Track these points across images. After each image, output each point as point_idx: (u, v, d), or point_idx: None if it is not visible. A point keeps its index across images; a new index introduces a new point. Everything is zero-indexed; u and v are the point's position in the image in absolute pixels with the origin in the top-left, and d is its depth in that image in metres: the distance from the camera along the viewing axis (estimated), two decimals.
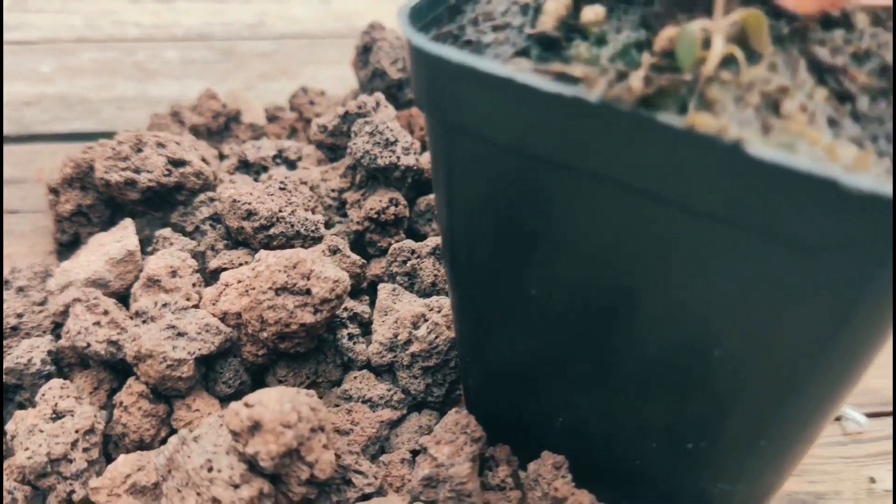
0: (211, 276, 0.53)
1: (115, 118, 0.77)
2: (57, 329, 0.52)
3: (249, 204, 0.52)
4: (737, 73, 0.31)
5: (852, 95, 0.32)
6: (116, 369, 0.49)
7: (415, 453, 0.47)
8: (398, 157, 0.55)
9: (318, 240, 0.54)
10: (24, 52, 0.87)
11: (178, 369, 0.45)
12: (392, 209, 0.55)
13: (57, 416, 0.45)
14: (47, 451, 0.43)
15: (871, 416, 0.52)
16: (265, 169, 0.61)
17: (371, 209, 0.55)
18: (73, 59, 0.86)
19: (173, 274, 0.50)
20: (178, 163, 0.56)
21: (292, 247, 0.53)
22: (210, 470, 0.39)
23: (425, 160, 0.57)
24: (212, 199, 0.56)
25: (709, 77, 0.31)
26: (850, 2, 0.35)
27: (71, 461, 0.44)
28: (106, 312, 0.48)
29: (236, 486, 0.38)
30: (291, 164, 0.62)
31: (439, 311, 0.48)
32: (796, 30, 0.33)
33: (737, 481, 0.40)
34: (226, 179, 0.58)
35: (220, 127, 0.68)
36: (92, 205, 0.58)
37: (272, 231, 0.52)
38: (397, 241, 0.55)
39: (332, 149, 0.62)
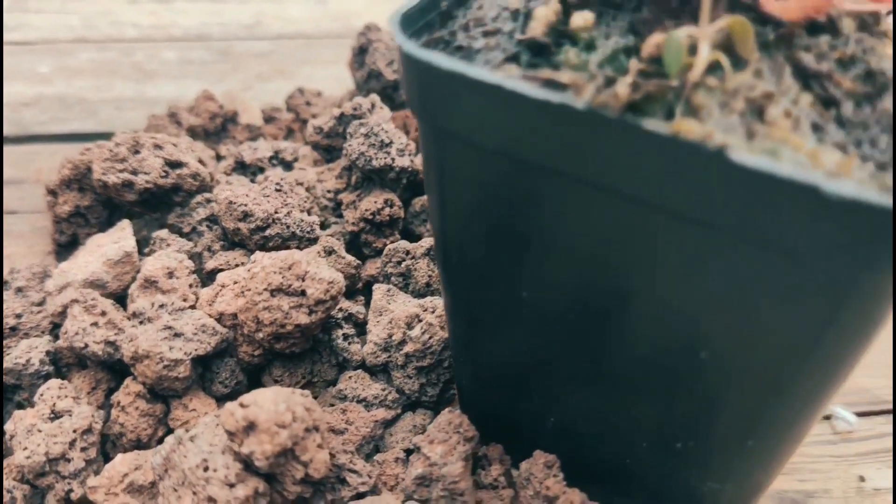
0: (207, 277, 0.54)
1: (114, 119, 0.78)
2: (55, 329, 0.52)
3: (245, 205, 0.53)
4: (723, 79, 0.31)
5: (837, 101, 0.32)
6: (114, 369, 0.50)
7: (409, 452, 0.47)
8: (393, 159, 0.55)
9: (314, 241, 0.54)
10: (22, 52, 0.87)
11: (174, 369, 0.46)
12: (387, 210, 0.56)
13: (55, 415, 0.46)
14: (46, 450, 0.44)
15: (861, 415, 0.52)
16: (262, 170, 0.62)
17: (366, 210, 0.56)
18: (71, 60, 0.87)
19: (170, 275, 0.50)
20: (174, 164, 0.56)
21: (288, 248, 0.53)
22: (206, 469, 0.39)
23: (420, 161, 0.57)
24: (208, 201, 0.57)
25: (695, 83, 0.31)
26: (836, 7, 0.35)
27: (69, 460, 0.44)
28: (103, 313, 0.48)
29: (232, 486, 0.39)
30: (288, 165, 0.63)
31: (433, 312, 0.49)
32: (782, 36, 0.33)
33: (725, 480, 0.40)
34: (223, 180, 0.59)
35: (217, 128, 0.69)
36: (90, 206, 0.58)
37: (268, 232, 0.53)
38: (392, 242, 0.56)
39: (328, 150, 0.63)
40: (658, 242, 0.32)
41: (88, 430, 0.45)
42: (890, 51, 0.36)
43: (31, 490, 0.45)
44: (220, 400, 0.49)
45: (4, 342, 0.51)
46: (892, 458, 0.50)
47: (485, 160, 0.34)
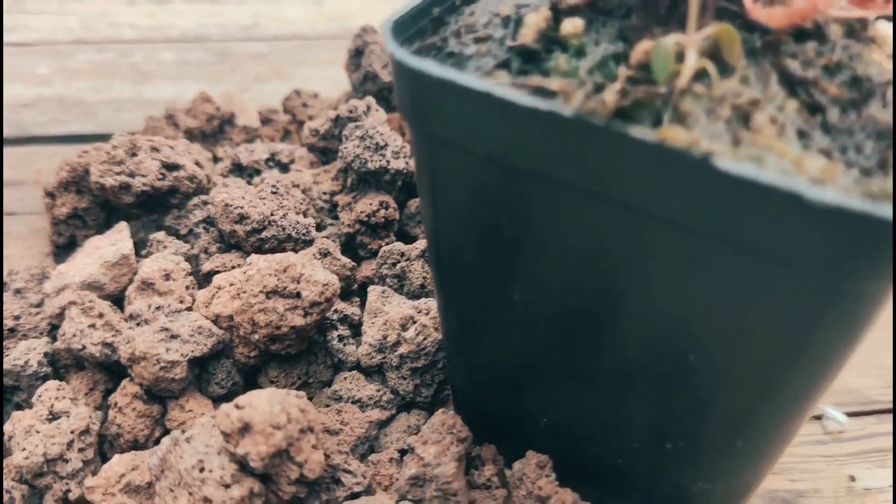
0: (204, 279, 0.54)
1: (112, 120, 0.78)
2: (53, 331, 0.53)
3: (241, 208, 0.53)
4: (709, 86, 0.32)
5: (823, 107, 0.33)
6: (111, 371, 0.50)
7: (403, 452, 0.48)
8: (388, 161, 0.55)
9: (310, 242, 0.55)
10: (21, 53, 0.88)
11: (171, 371, 0.46)
12: (382, 212, 0.56)
13: (53, 416, 0.46)
14: (44, 451, 0.44)
15: (851, 415, 0.53)
16: (258, 172, 0.62)
17: (362, 212, 0.56)
18: (69, 61, 0.87)
19: (167, 277, 0.51)
20: (171, 167, 0.57)
21: (284, 250, 0.54)
22: (202, 470, 0.40)
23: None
24: (205, 203, 0.57)
25: (682, 90, 0.32)
26: (823, 14, 0.35)
27: (67, 461, 0.45)
28: (101, 315, 0.49)
29: (227, 486, 0.39)
30: (284, 167, 0.63)
31: (427, 314, 0.49)
32: (769, 43, 0.34)
33: (715, 480, 0.41)
34: (219, 182, 0.59)
35: (214, 130, 0.69)
36: (87, 208, 0.59)
37: (264, 234, 0.53)
38: (387, 244, 0.56)
39: (324, 152, 0.63)
40: (646, 247, 0.33)
41: (86, 431, 0.46)
42: (877, 56, 0.37)
43: (30, 490, 0.46)
44: (217, 401, 0.50)
45: (3, 343, 0.51)
46: (882, 458, 0.50)
47: (476, 166, 0.35)
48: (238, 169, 0.62)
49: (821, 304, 0.31)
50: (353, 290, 0.56)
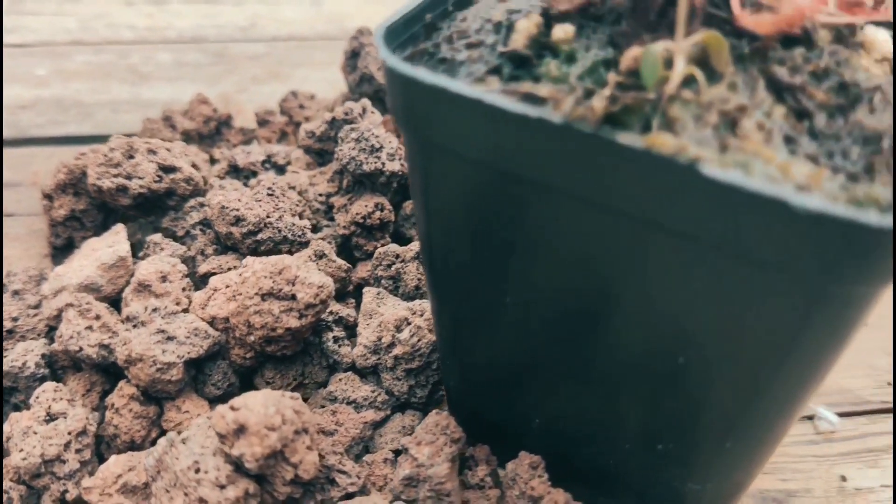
0: (201, 280, 0.55)
1: (109, 121, 0.78)
2: (51, 332, 0.53)
3: (238, 210, 0.53)
4: (698, 92, 0.32)
5: (810, 113, 0.33)
6: (108, 372, 0.50)
7: (397, 453, 0.48)
8: (383, 163, 0.56)
9: (305, 244, 0.55)
10: (19, 55, 0.88)
11: (167, 372, 0.47)
12: (378, 214, 0.57)
13: (50, 418, 0.47)
14: (41, 452, 0.45)
15: (843, 415, 0.53)
16: (254, 174, 0.62)
17: (357, 214, 0.57)
18: (67, 63, 0.87)
19: (163, 279, 0.51)
20: (168, 169, 0.57)
21: (280, 251, 0.54)
22: (197, 471, 0.40)
23: None
24: (202, 205, 0.58)
25: (671, 96, 0.32)
26: (810, 20, 0.36)
27: (64, 462, 0.45)
28: (98, 317, 0.49)
29: (222, 487, 0.40)
30: (280, 169, 0.64)
31: (422, 315, 0.50)
32: (756, 49, 0.34)
33: (706, 481, 0.41)
34: (216, 184, 0.60)
35: (211, 131, 0.69)
36: (85, 210, 0.59)
37: (260, 236, 0.54)
38: (383, 245, 0.56)
39: (320, 153, 0.64)
40: (635, 251, 0.33)
41: (83, 432, 0.46)
42: (865, 62, 0.37)
43: (28, 491, 0.46)
44: (213, 402, 0.50)
45: (2, 344, 0.52)
46: (874, 458, 0.51)
47: (468, 170, 0.35)
48: (235, 171, 0.63)
49: (808, 308, 0.31)
50: (349, 291, 0.57)
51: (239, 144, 0.70)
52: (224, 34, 0.94)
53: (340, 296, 0.56)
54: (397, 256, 0.55)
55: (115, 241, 0.54)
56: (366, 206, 0.57)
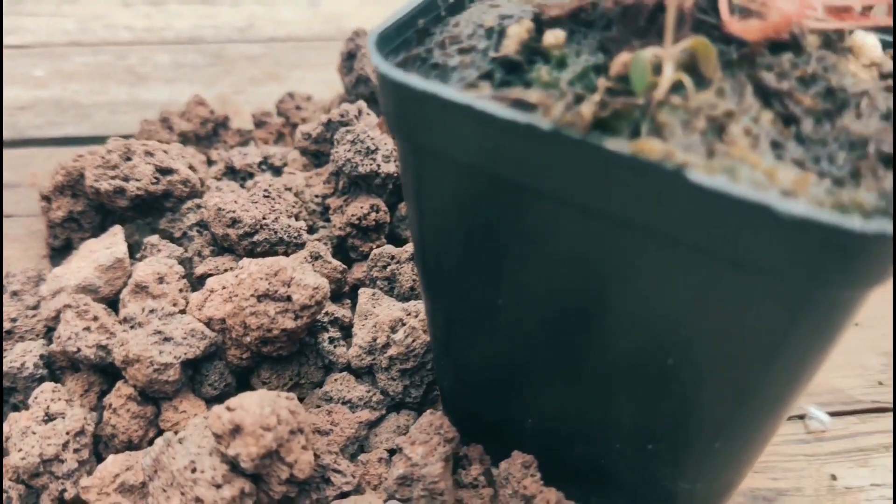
0: (198, 281, 0.55)
1: (107, 123, 0.79)
2: (49, 333, 0.53)
3: (234, 212, 0.54)
4: (686, 97, 0.32)
5: (797, 118, 0.34)
6: (106, 372, 0.51)
7: (392, 452, 0.49)
8: (378, 165, 0.56)
9: (301, 246, 0.56)
10: (18, 56, 0.88)
11: (164, 373, 0.47)
12: (373, 215, 0.57)
13: (49, 418, 0.47)
14: (40, 451, 0.45)
15: (834, 415, 0.54)
16: (251, 175, 0.63)
17: (353, 215, 0.57)
18: (66, 64, 0.88)
19: (160, 280, 0.51)
20: (165, 171, 0.57)
21: (276, 253, 0.55)
22: (193, 471, 0.41)
23: None
24: (199, 206, 0.58)
25: (660, 101, 0.32)
26: (798, 26, 0.36)
27: (62, 461, 0.46)
28: (95, 318, 0.49)
29: (218, 486, 0.40)
30: (277, 171, 0.64)
31: (416, 316, 0.50)
32: (744, 55, 0.34)
33: (696, 480, 0.42)
34: (213, 186, 0.60)
35: (208, 133, 0.70)
36: (83, 211, 0.60)
37: (256, 238, 0.54)
38: (378, 246, 0.57)
39: (317, 155, 0.64)
40: (624, 255, 0.34)
41: (81, 432, 0.47)
42: (853, 67, 0.38)
43: (27, 490, 0.47)
44: (210, 402, 0.50)
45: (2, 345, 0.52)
46: (864, 457, 0.51)
47: (459, 174, 0.36)
48: (231, 172, 0.63)
49: (794, 312, 0.31)
50: (345, 292, 0.57)
51: (236, 146, 0.70)
52: (221, 35, 0.95)
53: (336, 296, 0.56)
54: (392, 258, 0.55)
55: (113, 242, 0.55)
56: (361, 207, 0.57)
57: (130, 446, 0.48)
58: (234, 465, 0.41)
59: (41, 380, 0.51)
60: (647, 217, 0.31)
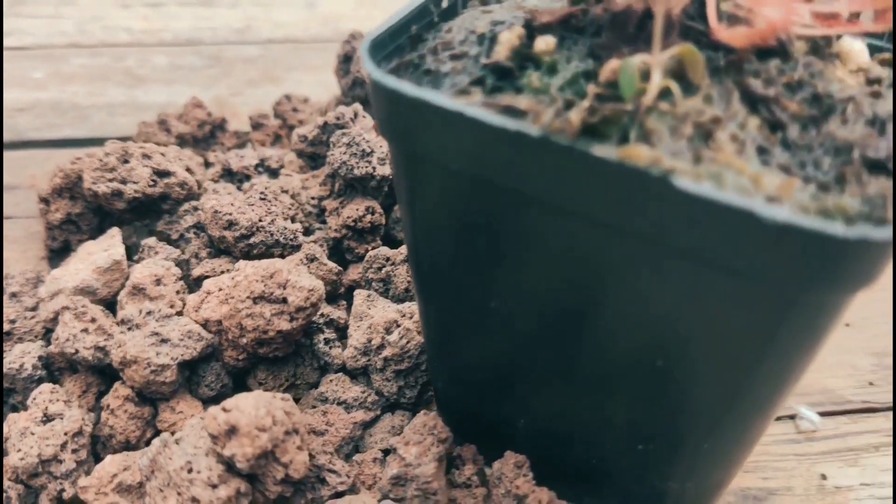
0: (195, 283, 0.56)
1: (106, 124, 0.79)
2: (48, 334, 0.54)
3: (230, 214, 0.54)
4: (674, 104, 0.33)
5: (783, 124, 0.34)
6: (104, 373, 0.52)
7: (387, 452, 0.49)
8: (374, 168, 0.57)
9: (297, 248, 0.56)
10: (17, 58, 0.89)
11: (161, 374, 0.48)
12: (368, 217, 0.58)
13: (47, 419, 0.48)
14: (38, 452, 0.46)
15: (825, 415, 0.54)
16: (248, 177, 0.63)
17: (348, 217, 0.58)
18: (64, 66, 0.88)
19: (157, 282, 0.52)
20: (162, 174, 0.58)
21: (272, 255, 0.55)
22: (190, 471, 0.41)
23: None
24: (196, 209, 0.59)
25: (648, 107, 0.33)
26: (785, 33, 0.37)
27: (61, 462, 0.46)
28: (93, 320, 0.50)
29: (214, 486, 0.41)
30: (274, 173, 0.64)
31: (411, 318, 0.51)
32: (732, 62, 0.35)
33: (686, 480, 0.42)
34: (210, 188, 0.61)
35: (205, 135, 0.70)
36: (81, 213, 0.60)
37: (252, 240, 0.55)
38: (374, 248, 0.57)
39: (313, 157, 0.65)
40: (614, 259, 0.34)
41: (79, 433, 0.47)
42: (839, 73, 0.38)
43: (26, 490, 0.47)
44: (207, 402, 0.51)
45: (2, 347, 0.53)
46: (854, 457, 0.52)
47: (451, 180, 0.36)
48: (228, 174, 0.64)
49: (779, 316, 0.32)
50: (340, 293, 0.58)
51: (233, 148, 0.70)
52: (219, 36, 0.95)
53: (332, 298, 0.57)
54: (387, 259, 0.56)
55: (111, 244, 0.55)
56: (357, 209, 0.58)
57: (128, 447, 0.49)
58: (229, 466, 0.42)
59: (40, 381, 0.51)
60: (635, 222, 0.31)
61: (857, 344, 0.59)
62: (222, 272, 0.55)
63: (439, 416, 0.48)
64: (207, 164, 0.68)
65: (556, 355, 0.40)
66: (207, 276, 0.55)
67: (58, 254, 0.63)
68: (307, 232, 0.60)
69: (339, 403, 0.51)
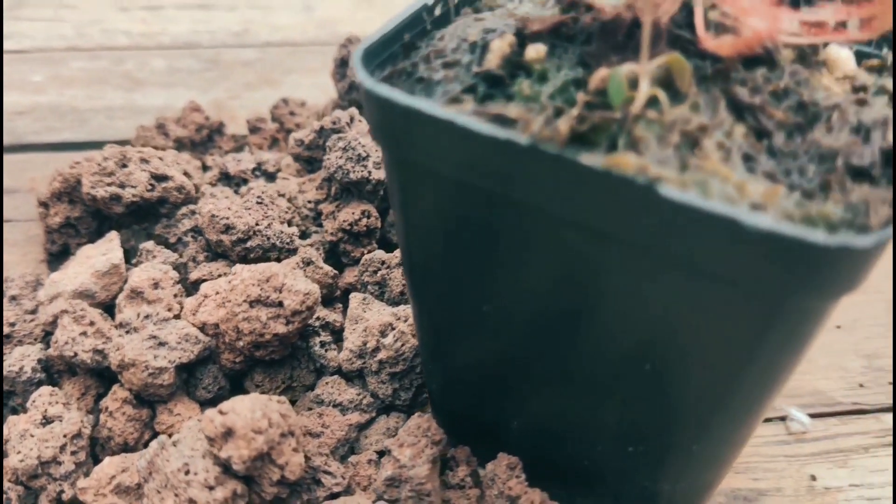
0: (192, 287, 0.56)
1: (104, 128, 0.80)
2: (47, 337, 0.55)
3: (227, 218, 0.55)
4: (661, 112, 0.33)
5: (769, 132, 0.35)
6: (102, 376, 0.52)
7: (381, 454, 0.50)
8: (370, 172, 0.57)
9: (293, 251, 0.57)
10: (16, 61, 0.89)
11: (159, 377, 0.48)
12: (364, 221, 0.58)
13: (47, 421, 0.48)
14: (38, 454, 0.46)
15: (815, 416, 0.55)
16: (245, 181, 0.64)
17: (344, 221, 0.58)
18: (63, 69, 0.89)
19: (155, 286, 0.53)
20: (160, 178, 0.59)
21: (268, 259, 0.56)
22: (187, 472, 0.42)
23: None
24: (193, 212, 0.59)
25: (636, 116, 0.33)
26: (772, 41, 0.37)
27: (60, 463, 0.47)
28: (92, 323, 0.51)
29: (211, 488, 0.42)
30: (271, 176, 0.65)
31: (406, 321, 0.51)
32: (719, 70, 0.35)
33: (676, 481, 0.43)
34: (208, 192, 0.61)
35: (203, 139, 0.71)
36: (80, 217, 0.61)
37: (249, 244, 0.55)
38: (369, 252, 0.58)
39: (309, 161, 0.65)
40: (602, 265, 0.35)
41: (78, 435, 0.48)
42: (826, 81, 0.39)
43: (25, 491, 0.48)
44: (204, 404, 0.52)
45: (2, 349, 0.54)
46: (843, 458, 0.53)
47: (443, 186, 0.37)
48: (226, 178, 0.64)
49: (764, 321, 0.33)
50: (336, 296, 0.58)
51: (230, 152, 0.71)
52: (217, 39, 0.96)
53: (328, 301, 0.57)
54: (383, 263, 0.56)
55: (109, 248, 0.56)
56: (353, 213, 0.58)
57: (126, 448, 0.49)
58: (226, 468, 0.42)
59: (39, 383, 0.52)
60: (623, 229, 0.32)
61: (847, 346, 0.60)
62: (219, 276, 0.56)
63: (433, 418, 0.48)
64: (205, 168, 0.68)
65: (547, 358, 0.41)
66: (205, 280, 0.56)
67: (57, 257, 0.63)
68: (303, 235, 0.61)
69: (334, 406, 0.52)
